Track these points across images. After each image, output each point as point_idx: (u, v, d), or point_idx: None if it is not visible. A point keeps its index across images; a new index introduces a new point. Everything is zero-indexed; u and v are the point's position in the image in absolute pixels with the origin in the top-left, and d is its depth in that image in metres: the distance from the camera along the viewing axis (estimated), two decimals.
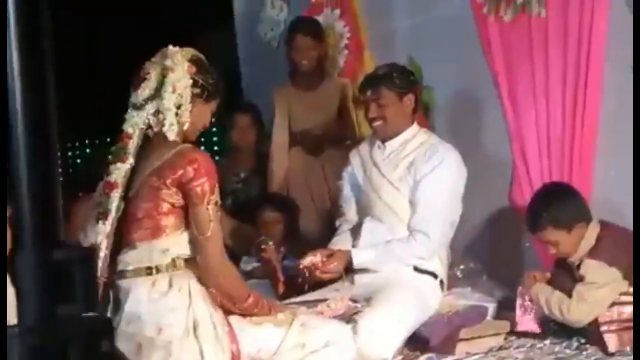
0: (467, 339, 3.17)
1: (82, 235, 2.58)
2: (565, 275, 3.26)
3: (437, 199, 3.23)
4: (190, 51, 2.58)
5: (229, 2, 5.27)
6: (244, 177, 4.43)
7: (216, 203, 2.50)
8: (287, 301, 3.03)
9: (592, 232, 3.20)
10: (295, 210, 4.07)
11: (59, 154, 1.34)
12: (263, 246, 3.34)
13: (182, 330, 2.44)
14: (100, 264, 2.44)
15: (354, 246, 3.27)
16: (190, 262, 2.54)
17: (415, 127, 3.41)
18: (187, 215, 2.50)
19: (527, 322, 3.26)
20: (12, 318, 1.30)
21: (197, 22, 6.04)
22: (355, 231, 3.36)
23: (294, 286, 3.24)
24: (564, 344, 3.19)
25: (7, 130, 1.27)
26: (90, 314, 1.34)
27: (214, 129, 6.33)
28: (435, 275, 3.25)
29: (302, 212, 4.15)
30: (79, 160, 8.59)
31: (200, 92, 2.56)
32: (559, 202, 3.23)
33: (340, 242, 3.35)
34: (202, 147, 3.82)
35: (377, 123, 3.34)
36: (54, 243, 1.29)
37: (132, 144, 2.52)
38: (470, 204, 3.46)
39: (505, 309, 3.39)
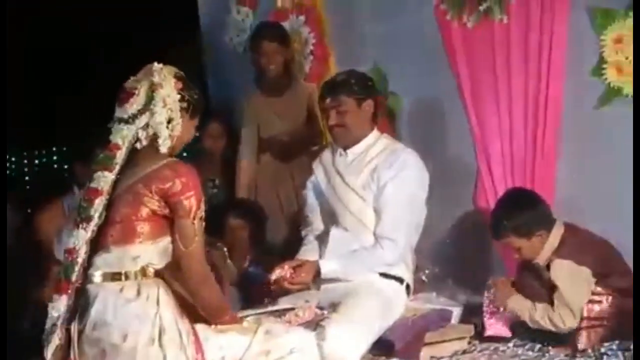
0: (431, 343, 3.21)
1: (57, 241, 2.63)
2: (531, 277, 3.31)
3: (401, 204, 3.23)
4: (172, 68, 2.65)
5: (194, 9, 5.27)
6: (219, 183, 4.45)
7: (201, 218, 2.55)
8: (257, 311, 3.04)
9: (555, 235, 3.26)
10: (262, 217, 4.08)
11: None
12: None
13: (147, 338, 2.45)
14: (76, 269, 2.47)
15: (321, 255, 3.27)
16: (162, 272, 2.56)
17: (376, 133, 3.40)
18: (167, 226, 2.54)
19: (495, 326, 3.30)
20: None
21: (162, 30, 6.03)
22: (322, 240, 3.36)
23: (262, 294, 3.25)
24: (527, 347, 3.25)
25: None
26: None
27: None
28: (401, 280, 3.26)
29: (270, 219, 4.16)
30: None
31: (187, 106, 2.64)
32: (519, 210, 3.28)
33: (308, 252, 3.35)
34: None
35: (337, 130, 3.34)
36: None
37: (120, 155, 2.56)
38: (435, 208, 3.49)
39: (470, 313, 3.43)
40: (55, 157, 8.39)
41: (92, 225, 2.50)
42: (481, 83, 3.85)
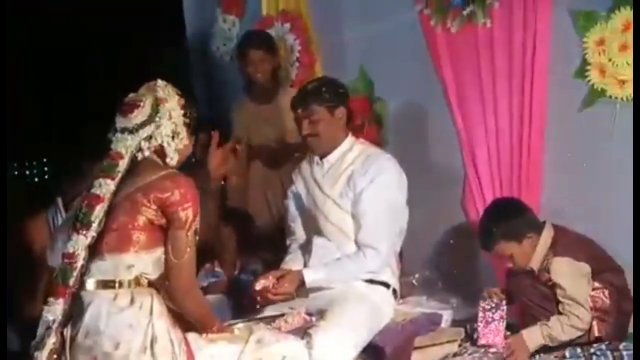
0: (421, 347, 3.22)
1: (50, 248, 2.66)
2: (523, 280, 3.32)
3: (380, 210, 3.20)
4: (172, 86, 2.71)
5: (180, 18, 5.27)
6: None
7: (195, 231, 2.56)
8: (247, 318, 3.04)
9: (546, 237, 3.28)
10: (250, 224, 4.09)
11: None
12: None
13: (139, 347, 2.46)
14: (74, 274, 2.49)
15: (306, 264, 3.27)
16: (155, 283, 2.57)
17: (350, 139, 3.37)
18: (163, 237, 2.56)
19: (488, 336, 3.29)
20: None
21: (149, 39, 6.02)
22: (306, 249, 3.35)
23: (253, 301, 3.26)
24: None
25: None
26: None
27: None
28: (387, 285, 3.26)
29: (261, 226, 4.17)
30: None
31: (189, 122, 2.70)
32: (506, 218, 3.31)
33: (291, 261, 3.34)
34: None
35: (311, 140, 3.32)
36: None
37: (122, 164, 2.59)
38: (424, 213, 3.50)
39: (461, 316, 3.44)
40: (35, 171, 8.38)
41: (92, 232, 2.51)
42: (466, 86, 3.87)
